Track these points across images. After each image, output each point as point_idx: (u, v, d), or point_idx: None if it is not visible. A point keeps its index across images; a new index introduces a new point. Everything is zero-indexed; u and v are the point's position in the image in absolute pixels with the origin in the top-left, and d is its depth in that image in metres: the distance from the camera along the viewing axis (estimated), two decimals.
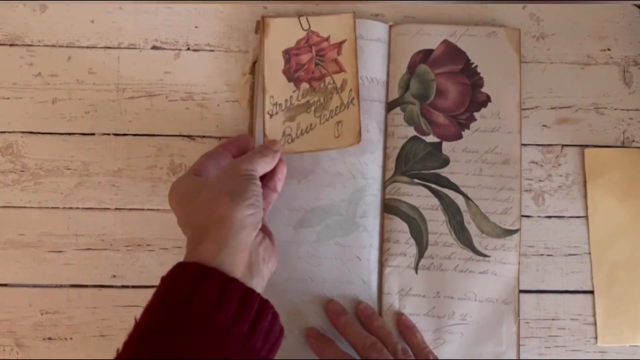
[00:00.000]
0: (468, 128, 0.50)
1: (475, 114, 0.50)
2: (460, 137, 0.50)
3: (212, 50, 0.51)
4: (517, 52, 0.50)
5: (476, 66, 0.50)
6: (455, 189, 0.49)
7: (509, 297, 0.48)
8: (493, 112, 0.50)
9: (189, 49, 0.51)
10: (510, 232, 0.48)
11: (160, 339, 0.33)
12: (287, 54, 0.48)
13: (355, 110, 0.48)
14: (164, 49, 0.51)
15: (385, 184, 0.49)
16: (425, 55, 0.51)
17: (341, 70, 0.49)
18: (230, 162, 0.42)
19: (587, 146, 0.52)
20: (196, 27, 0.51)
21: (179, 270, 0.35)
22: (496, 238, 0.48)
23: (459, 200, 0.49)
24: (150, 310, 0.34)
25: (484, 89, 0.50)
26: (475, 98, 0.50)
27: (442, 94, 0.50)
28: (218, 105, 0.51)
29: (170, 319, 0.33)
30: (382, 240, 0.49)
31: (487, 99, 0.50)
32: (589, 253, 0.50)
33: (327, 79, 0.49)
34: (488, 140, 0.49)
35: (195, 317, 0.33)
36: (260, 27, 0.49)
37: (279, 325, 0.37)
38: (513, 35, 0.51)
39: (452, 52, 0.51)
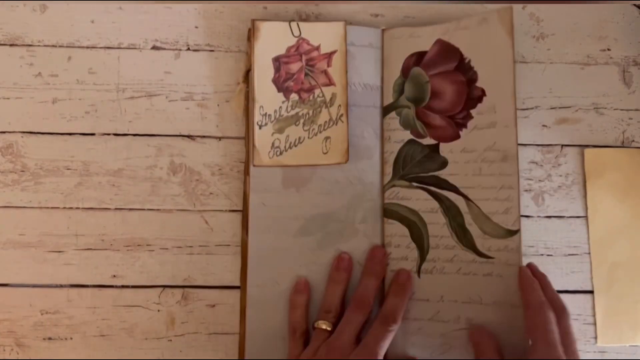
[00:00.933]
0: (465, 127, 0.48)
1: (472, 111, 0.48)
2: (457, 137, 0.48)
3: (212, 50, 0.51)
4: (510, 35, 0.47)
5: (470, 61, 0.49)
6: (455, 190, 0.48)
7: (517, 299, 0.45)
8: (488, 106, 0.47)
9: (189, 49, 0.51)
10: (513, 233, 0.46)
11: None
12: (277, 61, 0.48)
13: (343, 128, 0.48)
14: (164, 49, 0.51)
15: (383, 188, 0.49)
16: (418, 57, 0.50)
17: (330, 83, 0.48)
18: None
19: (586, 146, 0.52)
20: (196, 27, 0.51)
21: None
22: (499, 239, 0.46)
23: (459, 202, 0.48)
24: None
25: (478, 83, 0.48)
26: (471, 94, 0.48)
27: (438, 95, 0.49)
28: (218, 105, 0.51)
29: None
30: (383, 245, 0.48)
31: (482, 94, 0.48)
32: (589, 253, 0.50)
33: (317, 92, 0.48)
34: (486, 137, 0.47)
35: None
36: (251, 30, 0.48)
37: None
38: (505, 16, 0.48)
39: (446, 51, 0.49)
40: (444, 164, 0.48)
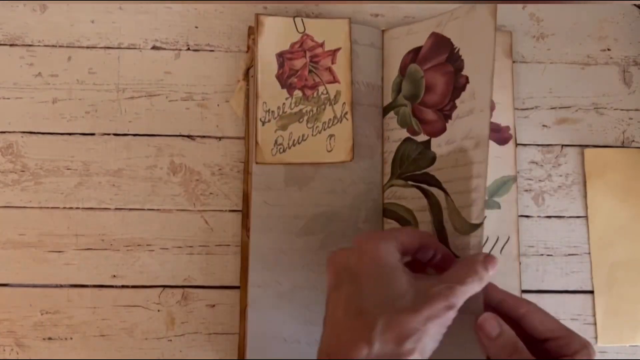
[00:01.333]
0: (450, 118, 0.45)
1: (456, 101, 0.45)
2: (444, 129, 0.46)
3: (212, 51, 0.51)
4: (493, 16, 0.43)
5: (458, 50, 0.46)
6: (438, 185, 0.45)
7: (478, 308, 0.37)
8: (469, 93, 0.44)
9: (189, 49, 0.51)
10: (475, 227, 0.40)
11: None
12: (281, 57, 0.48)
13: (348, 126, 0.48)
14: (164, 49, 0.51)
15: (383, 188, 0.49)
16: (414, 54, 0.49)
17: (335, 80, 0.48)
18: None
19: (587, 146, 0.52)
20: (196, 27, 0.51)
21: None
22: (464, 235, 0.41)
23: (441, 197, 0.45)
24: None
25: (464, 72, 0.45)
26: (457, 84, 0.45)
27: (431, 89, 0.47)
28: (218, 105, 0.51)
29: None
30: None
31: (466, 81, 0.45)
32: (589, 253, 0.50)
33: (321, 89, 0.48)
34: (464, 125, 0.44)
35: None
36: (255, 25, 0.48)
37: None
38: (492, 4, 0.44)
39: (438, 43, 0.48)
40: (433, 159, 0.46)
